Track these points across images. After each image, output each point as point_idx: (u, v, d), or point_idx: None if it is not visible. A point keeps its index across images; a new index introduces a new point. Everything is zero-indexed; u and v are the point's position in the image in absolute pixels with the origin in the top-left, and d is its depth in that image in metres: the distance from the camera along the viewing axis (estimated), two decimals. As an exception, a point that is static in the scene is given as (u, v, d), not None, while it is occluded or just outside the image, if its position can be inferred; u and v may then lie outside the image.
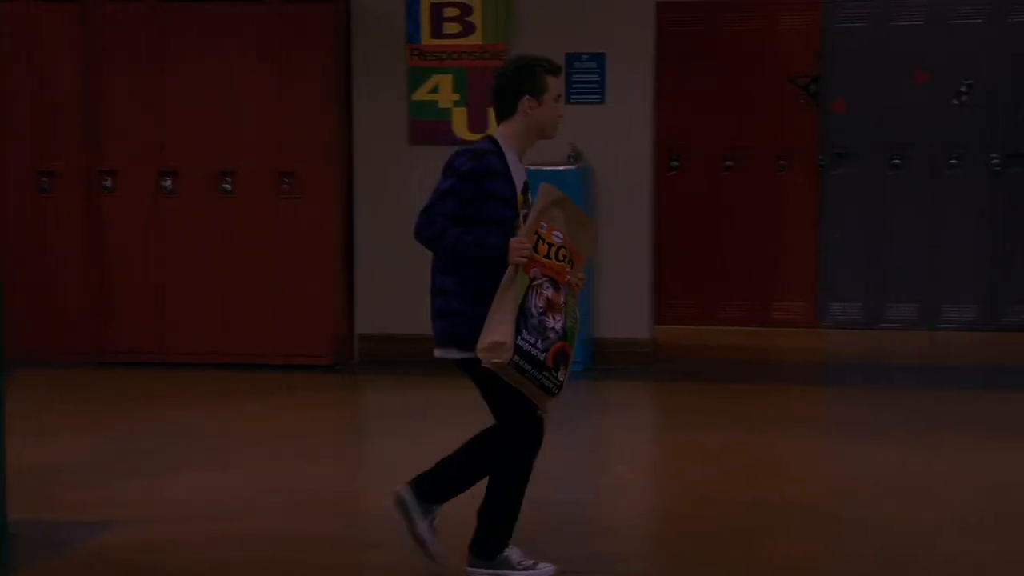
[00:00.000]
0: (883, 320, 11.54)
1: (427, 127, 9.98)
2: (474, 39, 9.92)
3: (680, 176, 11.71)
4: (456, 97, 9.95)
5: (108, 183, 9.77)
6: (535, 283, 4.91)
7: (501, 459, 5.10)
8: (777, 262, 11.65)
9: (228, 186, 9.72)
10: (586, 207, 9.71)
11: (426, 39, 9.95)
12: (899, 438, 7.72)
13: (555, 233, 4.97)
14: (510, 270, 4.91)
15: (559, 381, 4.96)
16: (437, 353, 5.10)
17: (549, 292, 4.94)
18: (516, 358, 4.84)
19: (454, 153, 5.13)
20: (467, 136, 9.91)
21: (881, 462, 7.16)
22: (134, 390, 9.10)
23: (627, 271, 9.87)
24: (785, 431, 8.02)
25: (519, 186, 5.10)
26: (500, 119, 5.18)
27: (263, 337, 9.69)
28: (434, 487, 5.21)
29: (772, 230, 11.64)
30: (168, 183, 9.75)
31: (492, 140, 5.12)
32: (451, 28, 9.93)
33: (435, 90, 9.95)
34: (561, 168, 9.45)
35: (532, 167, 10.30)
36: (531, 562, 5.12)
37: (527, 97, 5.09)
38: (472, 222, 4.98)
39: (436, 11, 9.95)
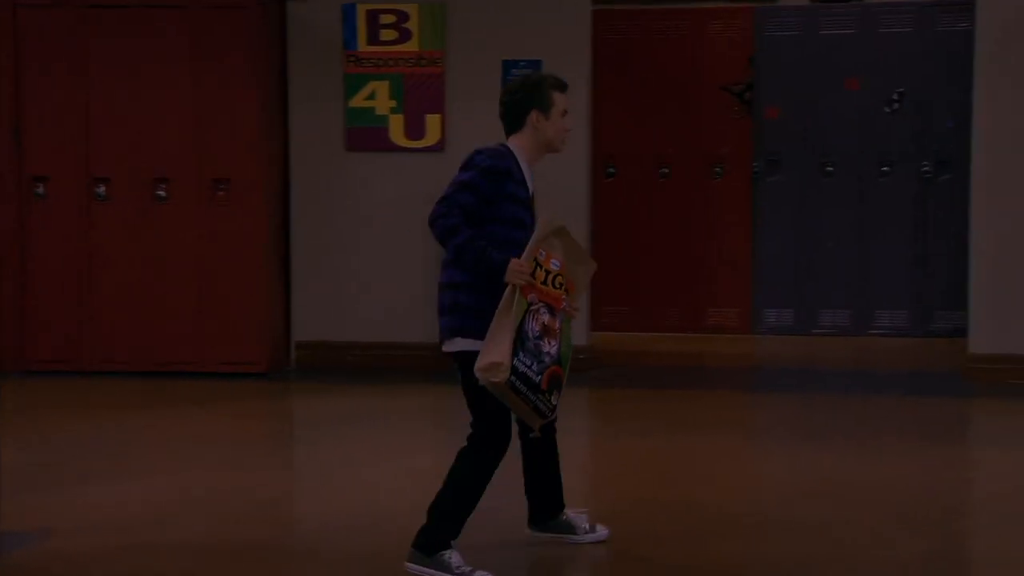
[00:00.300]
0: (816, 326, 11.67)
1: (364, 134, 9.99)
2: (410, 46, 9.94)
3: (616, 184, 11.77)
4: (393, 104, 9.97)
5: (40, 189, 9.69)
6: (532, 308, 5.07)
7: (465, 458, 5.22)
8: (712, 269, 11.75)
9: (163, 193, 9.68)
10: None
11: (362, 46, 9.96)
12: (830, 442, 7.81)
13: (553, 261, 5.16)
14: (508, 291, 5.06)
15: (552, 405, 5.17)
16: (445, 348, 5.26)
17: (545, 318, 5.11)
18: (513, 378, 5.01)
19: (474, 151, 5.29)
20: (404, 143, 9.94)
21: (812, 466, 7.24)
22: (57, 399, 9.01)
23: (563, 278, 9.90)
24: (719, 436, 8.09)
25: (529, 189, 5.32)
26: (509, 133, 5.39)
27: (197, 344, 9.65)
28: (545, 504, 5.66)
29: (707, 237, 11.74)
30: (102, 190, 9.69)
31: (507, 147, 5.33)
32: (387, 35, 9.95)
33: (372, 97, 9.96)
34: (497, 175, 9.47)
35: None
36: (468, 569, 5.14)
37: (535, 111, 5.31)
38: (487, 221, 5.14)
39: (372, 18, 9.97)
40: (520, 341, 5.03)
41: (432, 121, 9.95)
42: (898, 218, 11.53)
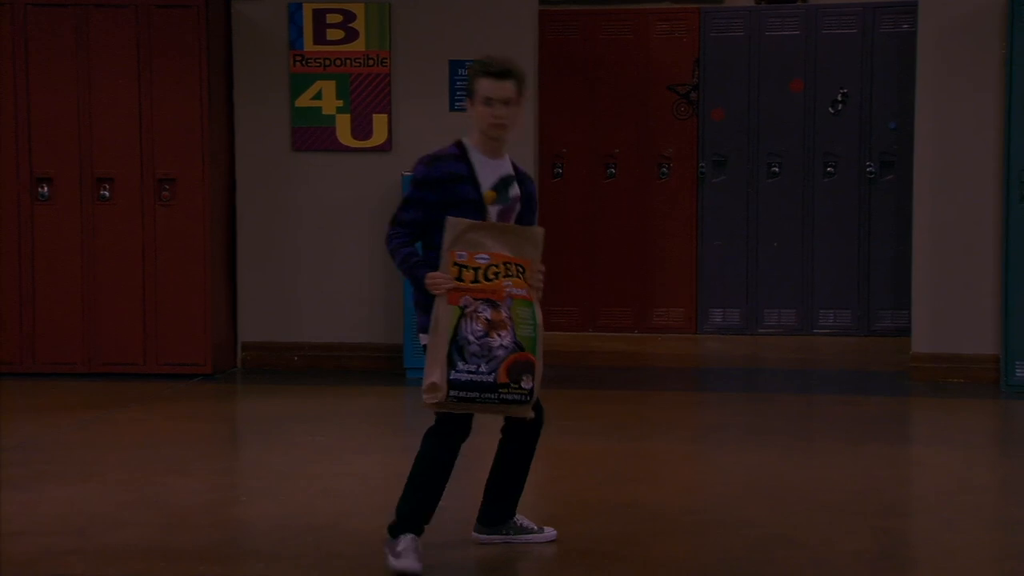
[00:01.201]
0: (762, 326, 11.75)
1: (310, 134, 9.98)
2: (357, 46, 9.93)
3: (563, 184, 11.81)
4: (340, 103, 9.96)
5: (-18, 191, 9.63)
6: (467, 311, 5.08)
7: (423, 445, 5.33)
8: (658, 268, 11.81)
9: (106, 193, 9.62)
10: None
11: (309, 46, 9.94)
12: (773, 441, 7.86)
13: (479, 256, 5.13)
14: (435, 304, 5.11)
15: (525, 390, 5.14)
16: (421, 339, 5.33)
17: (487, 313, 5.11)
18: (453, 392, 5.06)
19: (417, 160, 5.36)
20: (350, 143, 9.94)
21: (755, 465, 7.29)
22: (7, 401, 8.90)
23: (510, 278, 9.92)
24: (662, 436, 8.13)
25: (487, 184, 5.28)
26: None
27: (140, 346, 9.60)
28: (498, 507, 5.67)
29: (653, 237, 11.79)
30: (45, 190, 9.62)
31: (458, 144, 5.34)
32: (334, 35, 9.94)
33: (318, 96, 9.95)
34: (444, 175, 9.48)
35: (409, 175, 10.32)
36: (412, 557, 5.23)
37: (468, 99, 5.33)
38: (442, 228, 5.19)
39: (319, 17, 9.95)
40: (458, 350, 5.06)
41: (379, 121, 9.95)
42: (842, 218, 11.63)
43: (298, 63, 9.95)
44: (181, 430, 8.23)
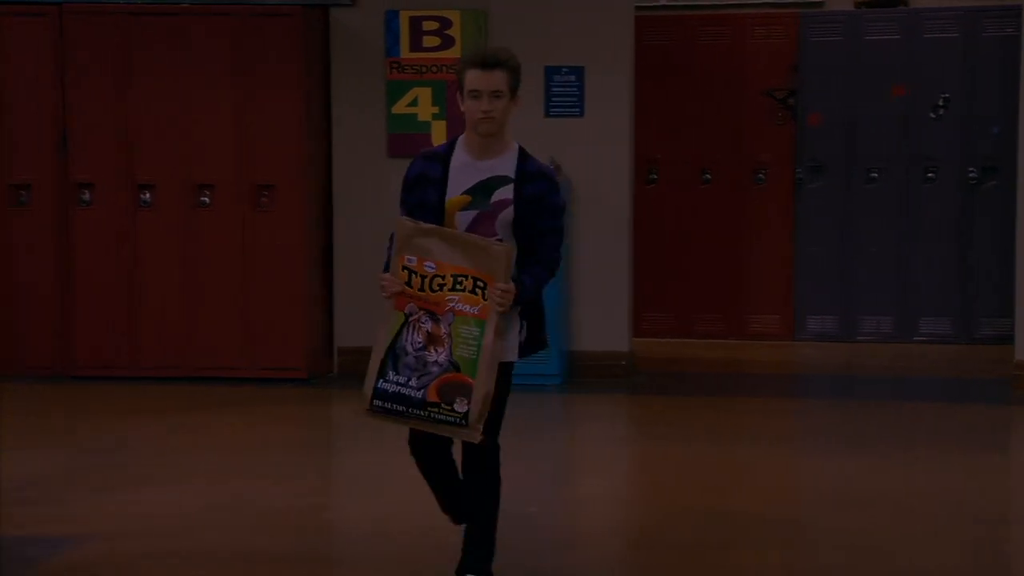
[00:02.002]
0: (858, 333, 11.60)
1: (406, 140, 10.03)
2: (453, 52, 9.96)
3: (658, 189, 11.76)
4: (435, 110, 10.00)
5: (85, 196, 9.79)
6: (412, 319, 4.80)
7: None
8: (753, 275, 11.71)
9: (206, 199, 9.75)
10: (564, 220, 9.76)
11: (405, 53, 10.00)
12: (869, 450, 7.77)
13: (427, 264, 4.81)
14: (386, 307, 4.86)
15: (458, 413, 4.75)
16: None
17: (428, 325, 4.80)
18: (378, 403, 4.81)
19: None
20: (445, 149, 9.97)
21: (852, 474, 7.21)
22: (102, 404, 9.07)
23: (605, 284, 9.92)
24: (757, 443, 8.07)
25: (460, 188, 4.90)
26: None
27: (237, 350, 9.70)
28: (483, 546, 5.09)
29: (749, 243, 11.70)
30: (147, 196, 9.77)
31: (450, 142, 5.03)
32: (430, 42, 9.98)
33: (414, 103, 10.00)
34: (539, 181, 9.49)
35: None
36: None
37: (458, 93, 4.94)
38: None
39: (415, 25, 10.00)
40: (393, 359, 4.80)
41: (474, 127, 9.97)
42: (943, 224, 11.46)
43: (394, 70, 10.01)
44: (276, 434, 8.32)
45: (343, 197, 10.13)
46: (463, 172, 4.91)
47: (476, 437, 4.81)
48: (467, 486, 5.09)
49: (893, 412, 9.06)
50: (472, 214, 4.89)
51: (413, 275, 4.82)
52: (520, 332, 4.99)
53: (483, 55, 4.88)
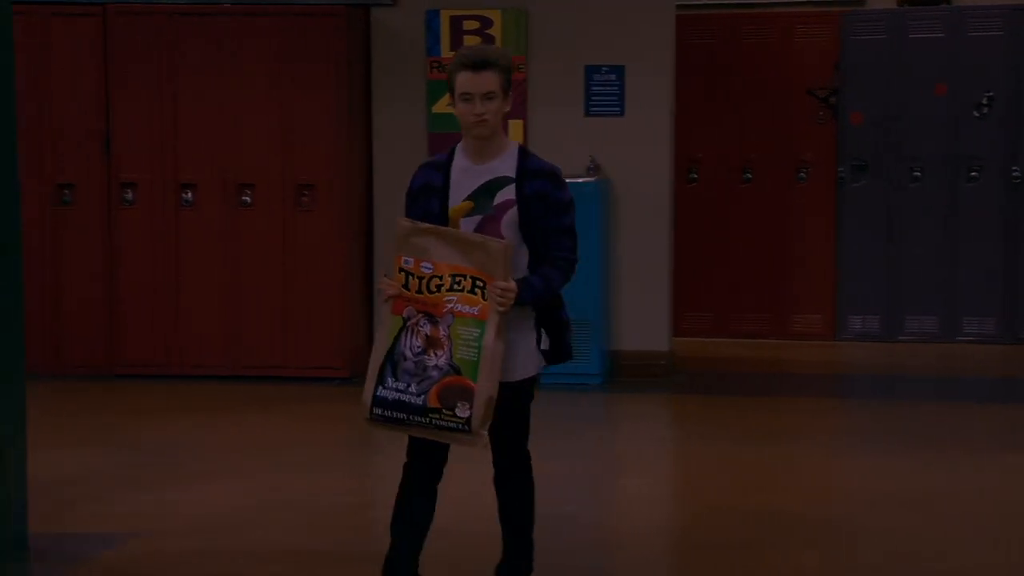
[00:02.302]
0: (902, 333, 11.54)
1: (446, 139, 9.95)
2: (494, 52, 9.96)
3: (699, 188, 11.73)
4: (476, 109, 9.99)
5: (128, 196, 9.85)
6: (410, 323, 4.65)
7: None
8: (795, 274, 11.66)
9: (248, 199, 9.79)
10: (605, 219, 9.78)
11: (446, 52, 10.00)
12: (912, 450, 7.73)
13: (423, 264, 4.66)
14: (383, 311, 4.74)
15: (460, 418, 4.60)
16: None
17: (427, 329, 4.65)
18: (378, 411, 4.68)
19: None
20: (486, 148, 9.97)
21: (894, 474, 7.17)
22: (146, 403, 9.13)
23: (646, 283, 9.91)
24: (799, 443, 8.04)
25: (460, 196, 4.78)
26: None
27: (279, 349, 9.74)
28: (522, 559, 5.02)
29: (790, 242, 11.65)
30: (189, 196, 9.82)
31: (450, 149, 4.89)
32: (471, 41, 9.98)
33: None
34: (580, 180, 9.49)
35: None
36: None
37: (449, 95, 4.80)
38: None
39: (456, 24, 10.02)
40: (392, 365, 4.67)
41: (514, 127, 9.98)
42: (987, 223, 11.38)
43: (435, 69, 10.02)
44: (318, 433, 8.35)
45: (383, 196, 10.14)
46: (464, 177, 4.78)
47: (479, 444, 4.67)
48: (503, 499, 5.01)
49: (936, 412, 9.00)
50: (476, 219, 4.76)
51: (410, 277, 4.67)
52: (540, 341, 4.83)
53: (472, 56, 4.73)
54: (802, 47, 11.57)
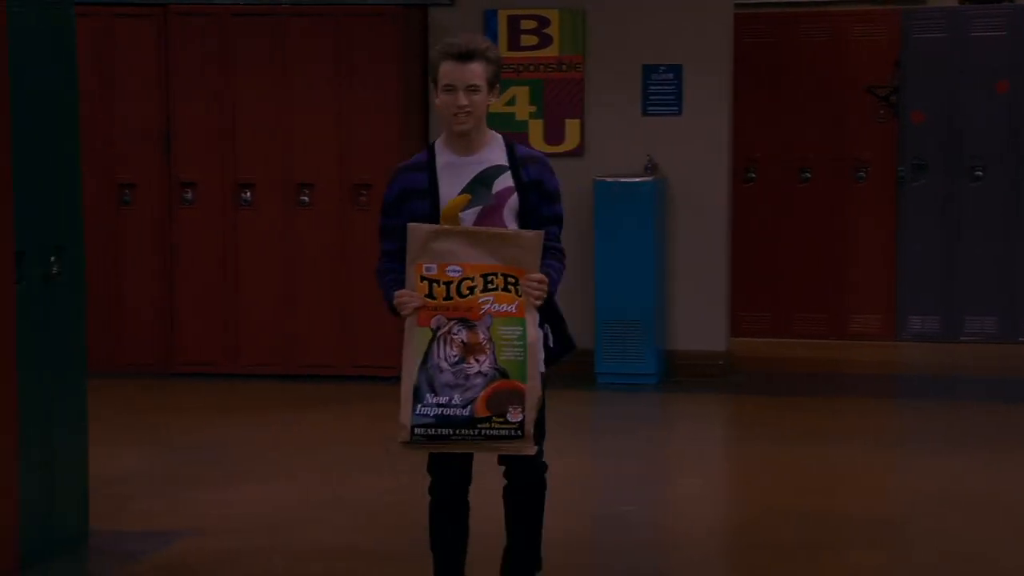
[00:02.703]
0: (962, 333, 11.43)
1: (504, 139, 10.04)
2: (551, 51, 9.98)
3: (756, 188, 11.67)
4: (533, 109, 10.01)
5: (188, 195, 9.92)
6: (440, 333, 4.41)
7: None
8: (854, 274, 11.57)
9: (306, 198, 9.84)
10: (662, 219, 9.75)
11: (503, 51, 10.00)
12: (972, 451, 7.66)
13: (450, 268, 4.44)
14: (406, 326, 4.48)
15: (513, 424, 4.38)
16: None
17: (463, 335, 4.41)
18: (420, 431, 4.42)
19: None
20: (543, 148, 9.98)
21: (952, 475, 7.11)
22: (203, 402, 9.20)
23: (703, 283, 9.87)
24: (858, 444, 7.98)
25: (454, 190, 4.58)
26: None
27: (335, 348, 9.78)
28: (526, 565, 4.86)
29: (849, 242, 11.57)
30: (247, 195, 9.88)
31: (428, 148, 4.72)
32: (528, 40, 10.00)
33: (512, 102, 10.01)
34: (637, 180, 9.49)
35: (609, 179, 10.20)
36: None
37: (432, 87, 4.62)
38: None
39: (514, 24, 10.03)
40: (427, 380, 4.40)
41: (571, 126, 9.98)
42: (1050, 223, 11.26)
43: (492, 69, 10.02)
44: (373, 431, 8.37)
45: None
46: (452, 172, 4.60)
47: (530, 449, 4.46)
48: (513, 503, 4.81)
49: (996, 413, 8.91)
50: (476, 211, 4.57)
51: (435, 284, 4.44)
52: (547, 339, 4.65)
53: (458, 46, 4.53)
54: (861, 45, 11.49)
